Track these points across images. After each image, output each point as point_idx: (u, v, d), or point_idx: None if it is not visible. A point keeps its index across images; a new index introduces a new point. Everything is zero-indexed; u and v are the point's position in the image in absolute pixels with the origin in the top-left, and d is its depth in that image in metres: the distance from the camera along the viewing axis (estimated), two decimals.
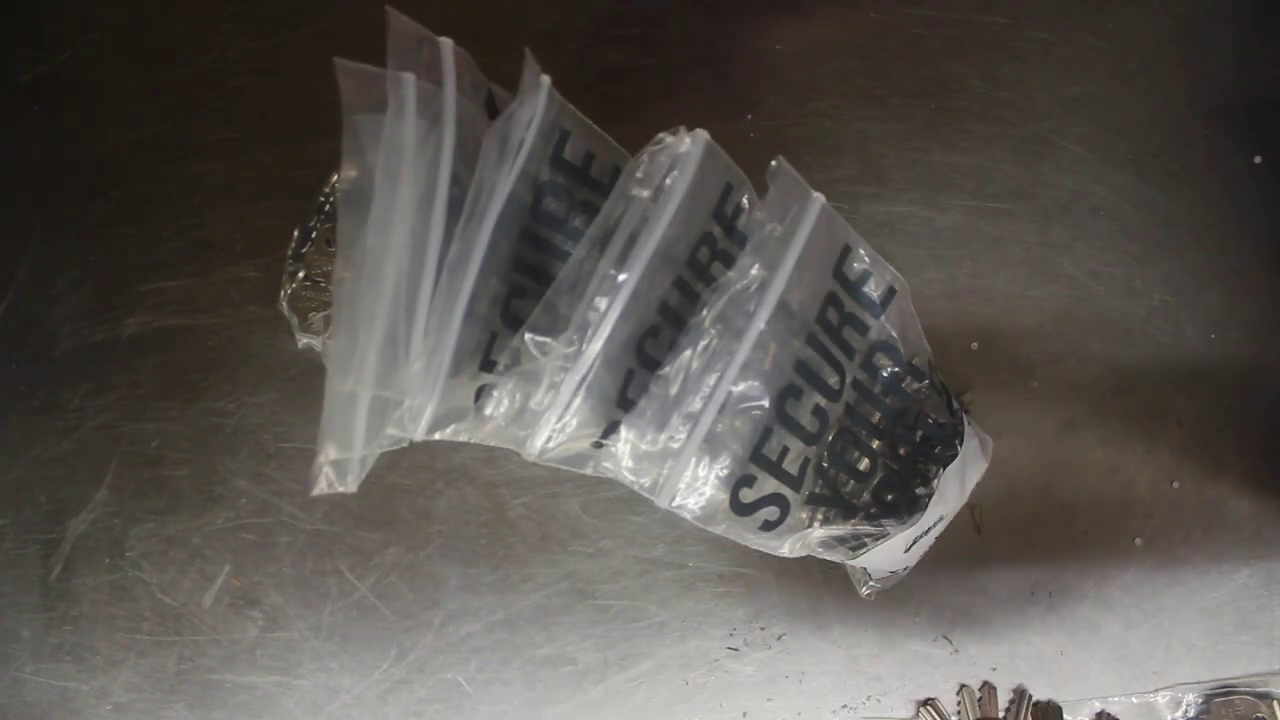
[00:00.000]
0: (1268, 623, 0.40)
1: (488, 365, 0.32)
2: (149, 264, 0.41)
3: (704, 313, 0.31)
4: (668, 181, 0.30)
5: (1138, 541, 0.40)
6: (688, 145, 0.30)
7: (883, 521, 0.33)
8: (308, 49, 0.42)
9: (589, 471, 0.32)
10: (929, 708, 0.39)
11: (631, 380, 0.31)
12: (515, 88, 0.32)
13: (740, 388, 0.31)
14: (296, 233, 0.38)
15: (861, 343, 0.34)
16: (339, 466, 0.31)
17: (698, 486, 0.32)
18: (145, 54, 0.42)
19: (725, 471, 0.31)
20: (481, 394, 0.32)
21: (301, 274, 0.38)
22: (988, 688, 0.40)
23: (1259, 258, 0.41)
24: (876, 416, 0.35)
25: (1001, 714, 0.39)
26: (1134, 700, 0.39)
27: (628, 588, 0.39)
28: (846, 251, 0.34)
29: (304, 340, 0.38)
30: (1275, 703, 0.39)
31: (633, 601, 0.39)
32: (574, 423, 0.31)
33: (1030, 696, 0.39)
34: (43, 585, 0.40)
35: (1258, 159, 0.42)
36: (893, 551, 0.35)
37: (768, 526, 0.32)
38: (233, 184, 0.41)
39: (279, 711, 0.39)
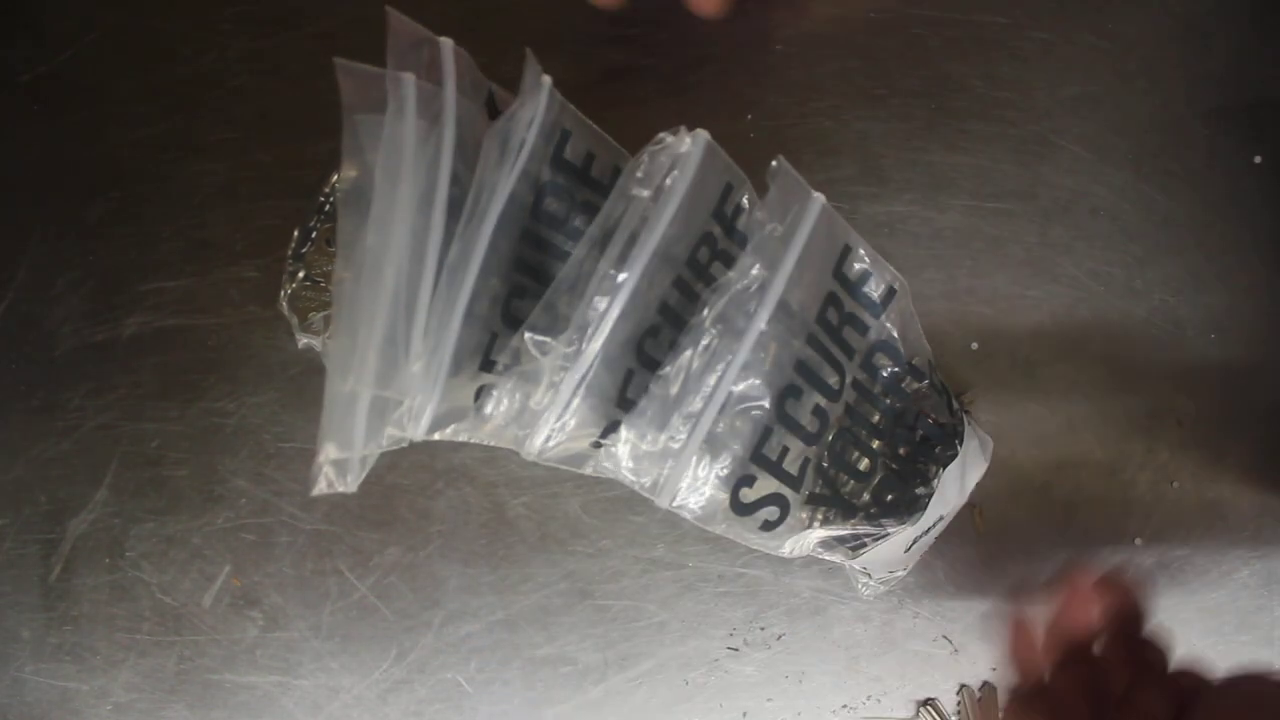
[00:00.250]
0: (1268, 623, 0.40)
1: (488, 365, 0.32)
2: (149, 264, 0.41)
3: (704, 313, 0.31)
4: (668, 181, 0.30)
5: (1138, 541, 0.40)
6: (688, 145, 0.30)
7: (883, 521, 0.33)
8: (308, 49, 0.42)
9: (589, 471, 0.32)
10: (929, 708, 0.39)
11: (631, 380, 0.31)
12: (515, 88, 0.32)
13: (741, 388, 0.31)
14: (296, 233, 0.38)
15: (861, 343, 0.34)
16: (339, 466, 0.31)
17: (698, 486, 0.32)
18: (145, 54, 0.42)
19: (725, 471, 0.31)
20: (481, 394, 0.32)
21: (301, 274, 0.38)
22: (988, 688, 0.40)
23: (1259, 258, 0.41)
24: (876, 416, 0.35)
25: (1001, 714, 0.39)
26: None
27: (628, 588, 0.39)
28: (846, 251, 0.34)
29: (304, 340, 0.38)
30: None
31: (633, 601, 0.39)
32: (573, 422, 0.31)
33: None
34: (43, 585, 0.40)
35: (1258, 159, 0.42)
36: (893, 551, 0.35)
37: (768, 526, 0.32)
38: (233, 184, 0.41)
39: (279, 711, 0.39)
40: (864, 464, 0.34)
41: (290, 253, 0.38)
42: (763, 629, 0.39)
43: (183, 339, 0.40)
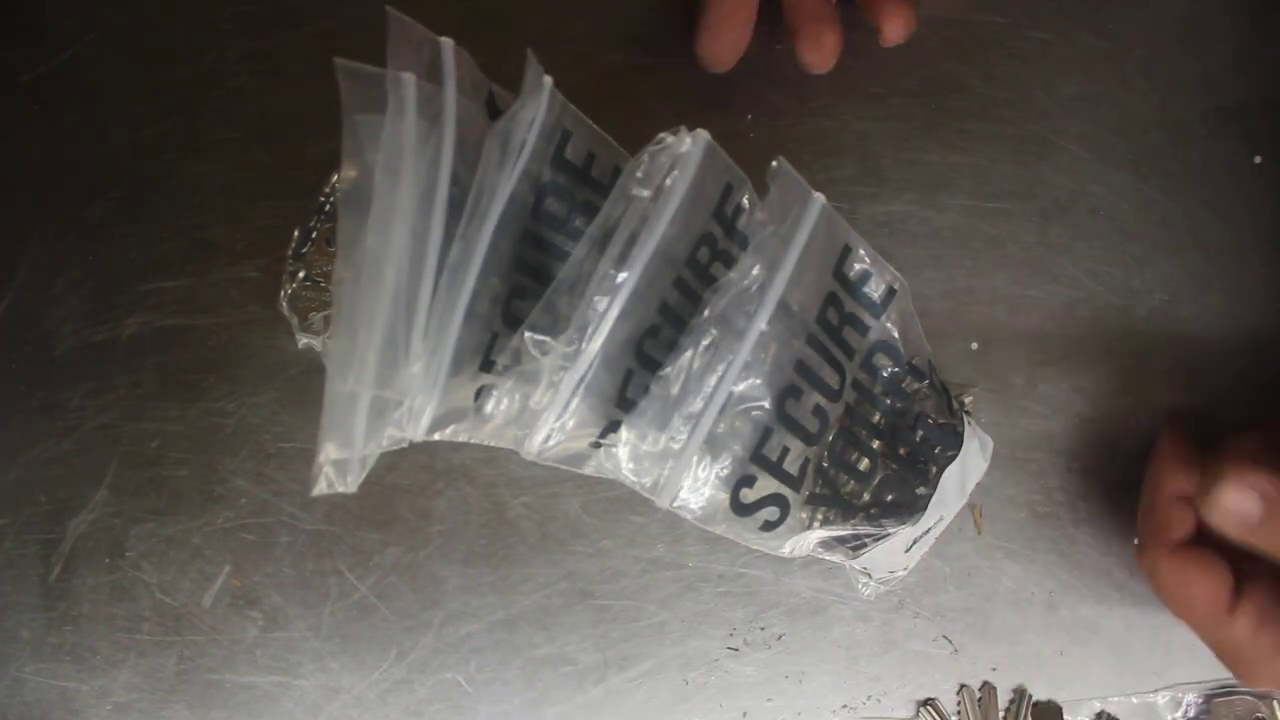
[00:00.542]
0: None
1: (488, 365, 0.32)
2: (149, 264, 0.41)
3: (705, 313, 0.31)
4: (668, 181, 0.30)
5: (1138, 541, 0.40)
6: (688, 145, 0.30)
7: (883, 521, 0.33)
8: (308, 49, 0.42)
9: (589, 471, 0.32)
10: (929, 708, 0.39)
11: (631, 380, 0.31)
12: (516, 88, 0.32)
13: (741, 388, 0.31)
14: (296, 233, 0.38)
15: (861, 343, 0.34)
16: (339, 466, 0.31)
17: (698, 487, 0.32)
18: (145, 54, 0.42)
19: (726, 472, 0.31)
20: (481, 394, 0.32)
21: (301, 274, 0.38)
22: (988, 688, 0.40)
23: (1259, 258, 0.41)
24: (877, 417, 0.35)
25: (1001, 714, 0.39)
26: (1134, 700, 0.39)
27: (628, 588, 0.40)
28: (846, 252, 0.34)
29: (304, 340, 0.38)
30: (1275, 703, 0.39)
31: (633, 601, 0.39)
32: (573, 422, 0.31)
33: (1030, 696, 0.39)
34: (43, 585, 0.40)
35: (1258, 159, 0.42)
36: (893, 552, 0.35)
37: (768, 527, 0.32)
38: (233, 184, 0.41)
39: (279, 711, 0.39)
40: (864, 464, 0.34)
41: (290, 253, 0.38)
42: (763, 629, 0.39)
43: (183, 339, 0.40)
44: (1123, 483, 0.39)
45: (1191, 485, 0.35)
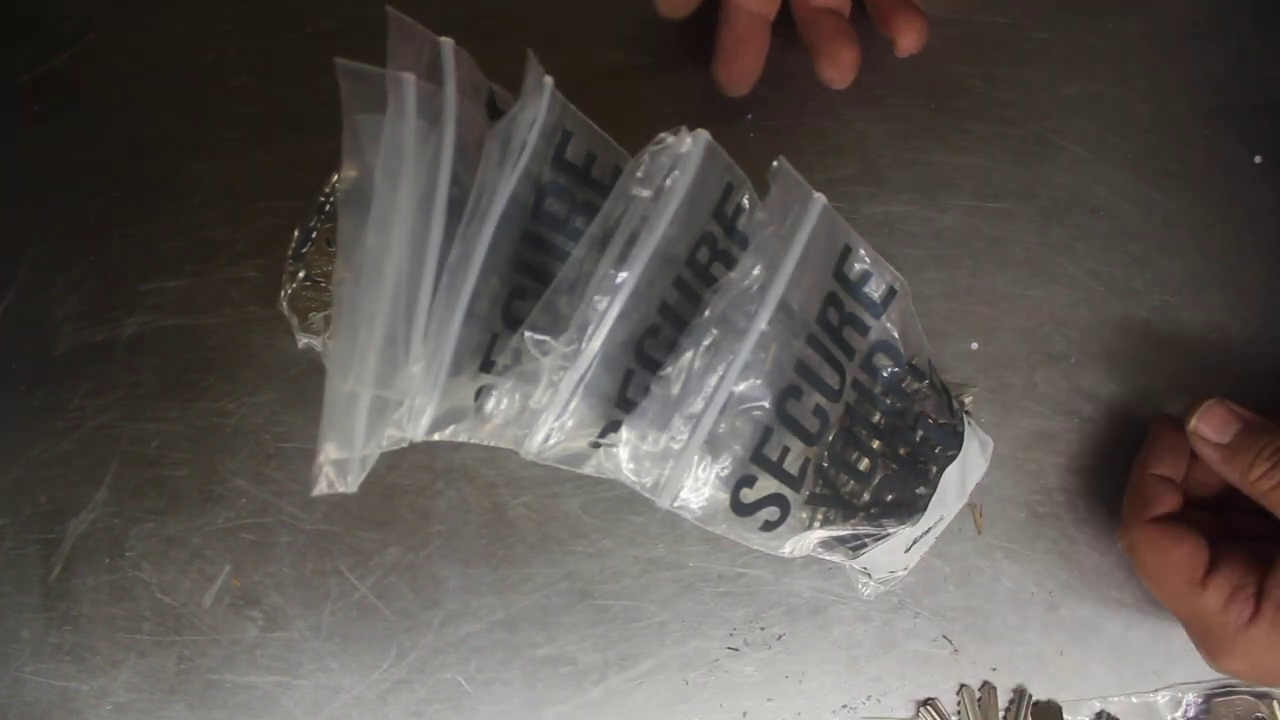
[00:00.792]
0: None
1: (488, 366, 0.32)
2: (149, 264, 0.41)
3: (705, 313, 0.31)
4: (668, 182, 0.30)
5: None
6: (688, 145, 0.30)
7: (883, 521, 0.33)
8: (308, 49, 0.42)
9: (589, 471, 0.32)
10: (929, 708, 0.39)
11: (631, 380, 0.31)
12: (516, 88, 0.32)
13: (741, 388, 0.31)
14: (296, 233, 0.38)
15: (862, 343, 0.34)
16: (339, 466, 0.31)
17: (699, 487, 0.32)
18: (145, 54, 0.42)
19: (726, 472, 0.31)
20: (481, 394, 0.32)
21: (301, 274, 0.38)
22: (988, 688, 0.40)
23: (1259, 258, 0.41)
24: (877, 416, 0.35)
25: (1001, 714, 0.39)
26: (1134, 700, 0.39)
27: (628, 588, 0.40)
28: (847, 252, 0.34)
29: (304, 340, 0.38)
30: (1275, 703, 0.39)
31: (633, 601, 0.39)
32: (572, 422, 0.31)
33: (1030, 696, 0.39)
34: (43, 585, 0.40)
35: (1258, 159, 0.42)
36: (893, 552, 0.35)
37: (768, 527, 0.32)
38: (233, 184, 0.41)
39: (279, 711, 0.39)
40: (864, 464, 0.34)
41: (290, 253, 0.38)
42: (763, 629, 0.39)
43: (183, 339, 0.40)
44: (1123, 484, 0.39)
45: (1178, 469, 0.37)
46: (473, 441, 0.33)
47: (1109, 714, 0.39)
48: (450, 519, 0.40)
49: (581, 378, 0.30)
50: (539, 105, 0.31)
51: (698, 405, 0.31)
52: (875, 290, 0.34)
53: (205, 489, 0.40)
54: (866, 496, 0.34)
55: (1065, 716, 0.39)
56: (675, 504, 0.32)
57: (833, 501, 0.33)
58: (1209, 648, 0.34)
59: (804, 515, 0.33)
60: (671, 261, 0.31)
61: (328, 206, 0.38)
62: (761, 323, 0.31)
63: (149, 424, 0.40)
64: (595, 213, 0.31)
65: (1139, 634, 0.40)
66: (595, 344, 0.30)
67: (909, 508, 0.34)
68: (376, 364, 0.30)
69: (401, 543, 0.40)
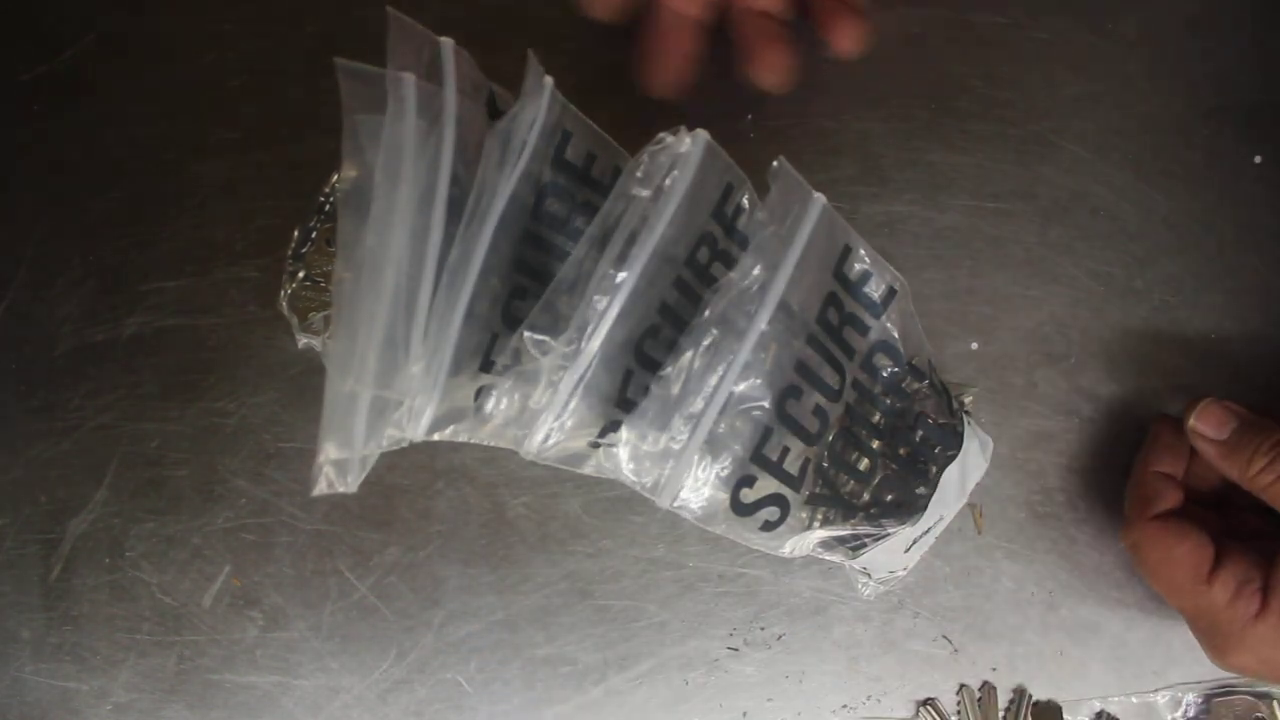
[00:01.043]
0: None
1: (488, 366, 0.32)
2: (149, 264, 0.41)
3: (705, 313, 0.31)
4: (668, 181, 0.30)
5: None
6: (688, 145, 0.30)
7: (883, 521, 0.33)
8: (308, 49, 0.42)
9: (588, 471, 0.32)
10: (929, 708, 0.39)
11: (630, 380, 0.31)
12: (516, 88, 0.32)
13: (741, 388, 0.31)
14: (296, 233, 0.38)
15: (862, 343, 0.34)
16: (339, 466, 0.31)
17: (699, 487, 0.32)
18: (145, 54, 0.42)
19: (726, 472, 0.31)
20: (481, 394, 0.32)
21: (301, 274, 0.38)
22: (988, 688, 0.40)
23: (1259, 258, 0.41)
24: (877, 416, 0.35)
25: (1001, 714, 0.39)
26: (1134, 700, 0.39)
27: (628, 588, 0.40)
28: (847, 252, 0.34)
29: (304, 340, 0.38)
30: (1275, 702, 0.39)
31: (633, 601, 0.39)
32: (571, 422, 0.31)
33: (1030, 696, 0.39)
34: (43, 585, 0.40)
35: (1258, 159, 0.42)
36: (893, 552, 0.35)
37: (768, 527, 0.32)
38: (233, 184, 0.41)
39: (279, 711, 0.39)
40: (864, 464, 0.34)
41: (290, 253, 0.38)
42: (763, 629, 0.39)
43: (183, 339, 0.40)
44: (1123, 483, 0.39)
45: (1179, 467, 0.37)
46: (473, 441, 0.33)
47: (1109, 714, 0.39)
48: (450, 519, 0.40)
49: (581, 378, 0.30)
50: (539, 105, 0.31)
51: (697, 405, 0.31)
52: (875, 290, 0.34)
53: (205, 489, 0.40)
54: (866, 496, 0.34)
55: (1065, 716, 0.39)
56: (675, 504, 0.32)
57: (833, 501, 0.33)
58: (1215, 644, 0.34)
59: (804, 515, 0.33)
60: (671, 261, 0.31)
61: (328, 206, 0.38)
62: (761, 323, 0.31)
63: (149, 424, 0.40)
64: (595, 213, 0.31)
65: (1139, 634, 0.40)
66: (595, 344, 0.30)
67: (909, 508, 0.34)
68: (376, 364, 0.30)
69: (401, 543, 0.40)
